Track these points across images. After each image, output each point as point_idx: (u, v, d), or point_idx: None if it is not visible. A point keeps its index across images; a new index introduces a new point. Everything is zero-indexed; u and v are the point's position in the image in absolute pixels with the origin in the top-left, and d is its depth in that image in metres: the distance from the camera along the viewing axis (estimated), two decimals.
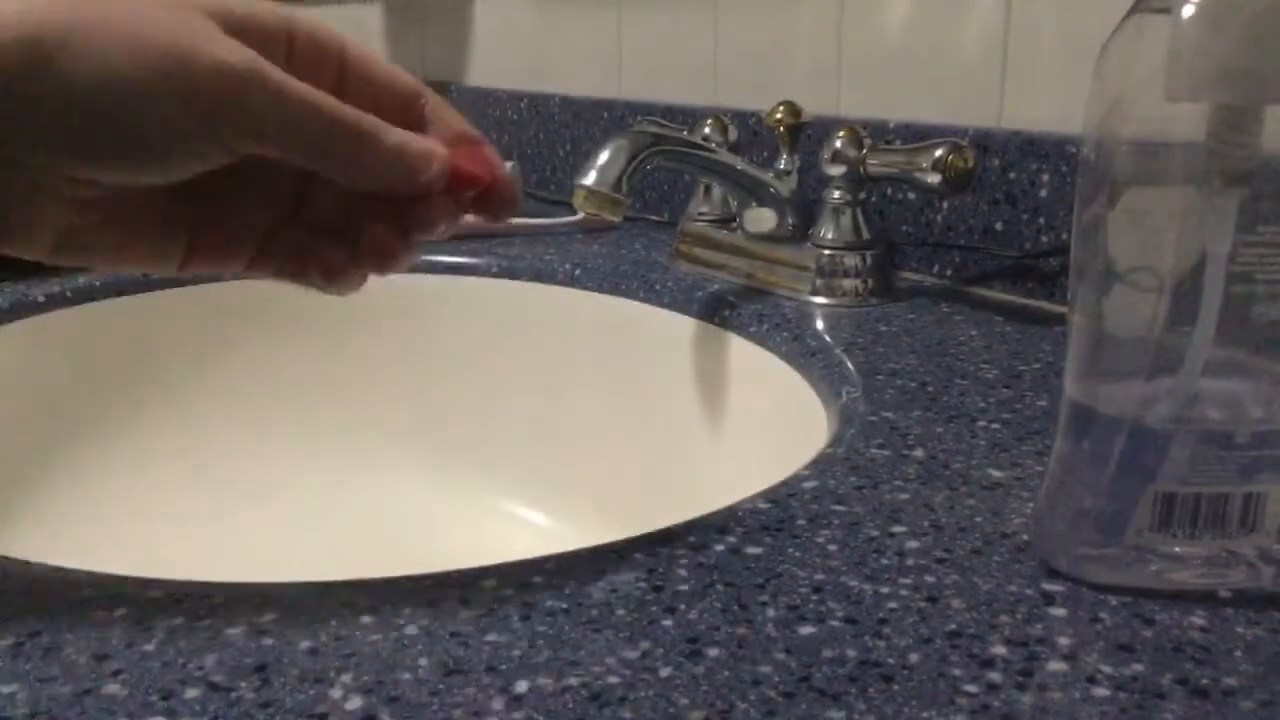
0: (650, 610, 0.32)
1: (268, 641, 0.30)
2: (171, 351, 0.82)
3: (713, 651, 0.30)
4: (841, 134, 0.68)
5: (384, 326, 0.86)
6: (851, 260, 0.69)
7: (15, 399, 0.74)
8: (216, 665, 0.29)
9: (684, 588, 0.33)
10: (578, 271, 0.80)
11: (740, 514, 0.38)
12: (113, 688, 0.28)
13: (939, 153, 0.62)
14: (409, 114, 0.34)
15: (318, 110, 0.30)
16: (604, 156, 0.62)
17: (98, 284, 0.78)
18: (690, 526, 0.37)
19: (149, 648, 0.30)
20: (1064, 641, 0.30)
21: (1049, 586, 0.33)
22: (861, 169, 0.67)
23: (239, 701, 0.28)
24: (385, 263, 0.33)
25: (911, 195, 0.75)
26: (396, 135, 0.32)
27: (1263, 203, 0.29)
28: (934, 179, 0.63)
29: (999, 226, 0.70)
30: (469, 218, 0.35)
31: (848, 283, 0.69)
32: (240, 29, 0.30)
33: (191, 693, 0.28)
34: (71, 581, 0.34)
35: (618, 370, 0.78)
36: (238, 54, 0.29)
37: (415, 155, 0.32)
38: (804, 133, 0.73)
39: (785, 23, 0.85)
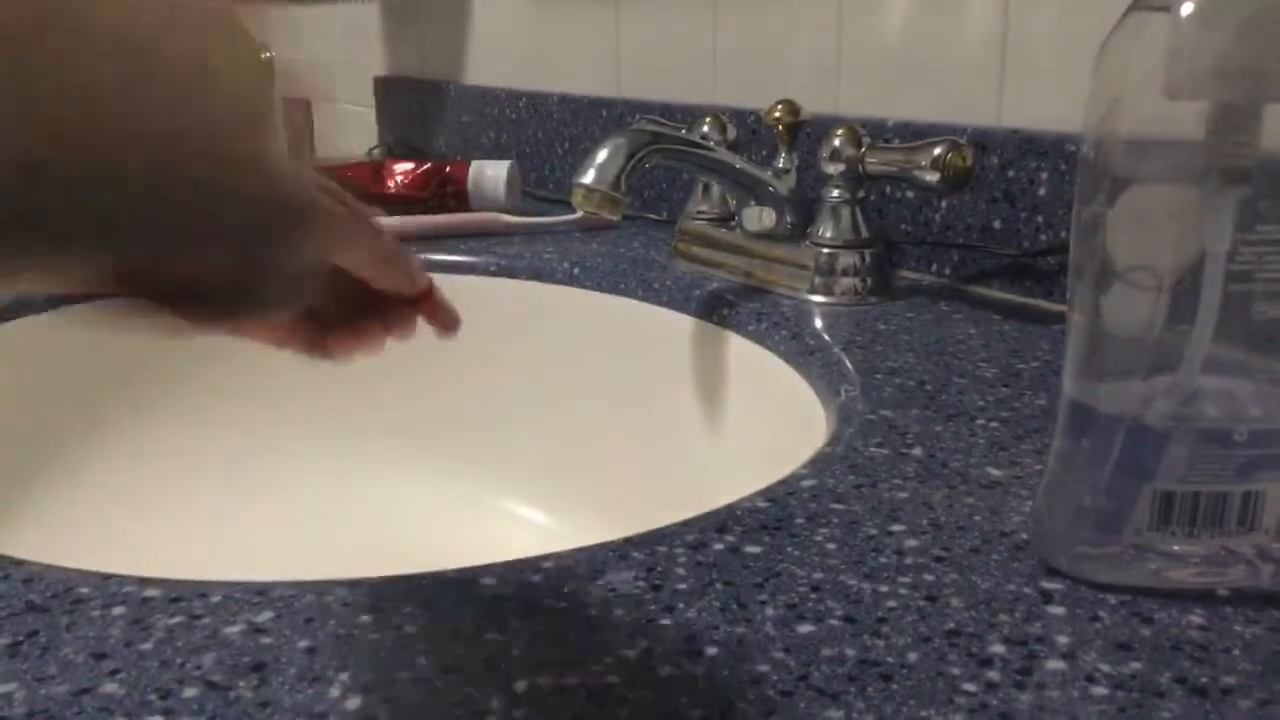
0: (649, 609, 0.32)
1: (266, 640, 0.30)
2: (170, 350, 0.82)
3: (711, 651, 0.30)
4: (840, 132, 0.68)
5: None
6: (850, 259, 0.69)
7: (13, 397, 0.74)
8: (215, 664, 0.29)
9: (682, 587, 0.33)
10: (576, 270, 0.80)
11: (739, 513, 0.38)
12: (110, 687, 0.28)
13: (938, 151, 0.62)
14: None
15: (371, 243, 0.43)
16: (603, 155, 0.62)
17: None
18: (689, 525, 0.37)
19: (147, 647, 0.30)
20: (1063, 640, 0.30)
21: (1048, 585, 0.33)
22: (860, 167, 0.67)
23: (237, 701, 0.28)
24: (364, 346, 0.47)
25: (910, 194, 0.75)
26: (407, 258, 0.45)
27: (1262, 201, 0.29)
28: (932, 177, 0.63)
29: (998, 225, 0.70)
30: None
31: (846, 281, 0.69)
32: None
33: (189, 692, 0.28)
34: (69, 580, 0.34)
35: (616, 369, 0.78)
36: (334, 208, 0.41)
37: (415, 272, 0.46)
38: (803, 131, 0.73)
39: (784, 21, 0.85)
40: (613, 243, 0.88)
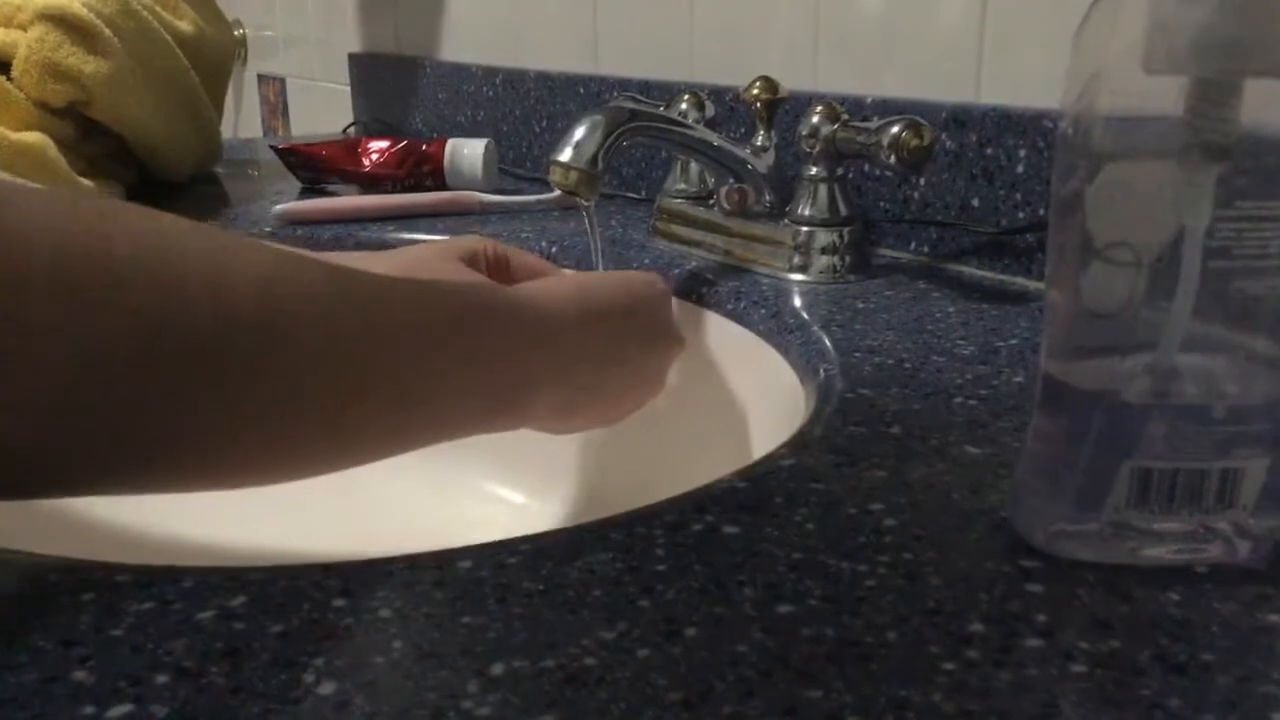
0: (627, 591, 0.32)
1: (238, 626, 0.30)
2: None
3: (690, 632, 0.30)
4: (818, 110, 0.67)
5: None
6: (828, 237, 0.68)
7: None
8: (186, 650, 0.29)
9: (661, 568, 0.33)
10: (554, 249, 0.80)
11: (717, 493, 0.38)
12: (80, 674, 0.28)
13: (894, 130, 0.62)
14: None
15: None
16: (580, 132, 0.61)
17: None
18: (667, 506, 0.37)
19: (117, 633, 0.30)
20: (1041, 618, 0.30)
21: (1026, 563, 0.33)
22: (833, 146, 0.67)
23: (209, 687, 0.27)
24: None
25: (889, 171, 0.75)
26: None
27: (1241, 177, 0.29)
28: (890, 158, 0.62)
29: (976, 203, 0.70)
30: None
31: (825, 259, 0.68)
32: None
33: (161, 678, 0.28)
34: (38, 566, 0.33)
35: None
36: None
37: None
38: (781, 108, 0.72)
39: None
40: None
